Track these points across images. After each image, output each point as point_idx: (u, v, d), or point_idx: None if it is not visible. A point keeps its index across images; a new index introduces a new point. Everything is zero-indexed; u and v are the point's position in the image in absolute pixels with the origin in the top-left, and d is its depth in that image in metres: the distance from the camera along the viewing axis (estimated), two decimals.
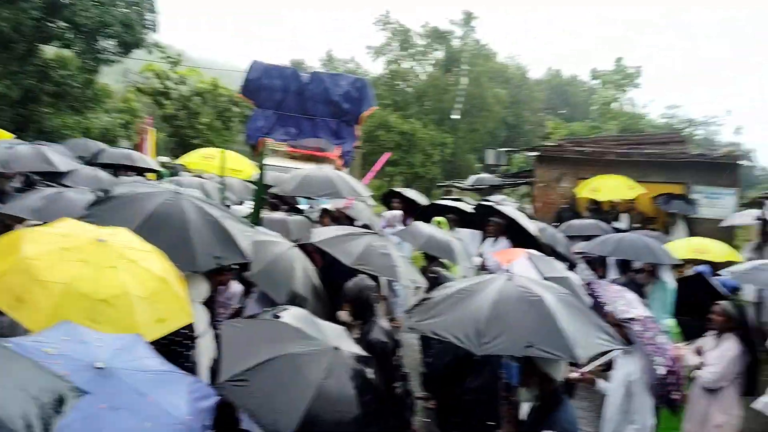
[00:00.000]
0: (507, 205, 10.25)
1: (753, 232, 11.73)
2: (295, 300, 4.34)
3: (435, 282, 5.63)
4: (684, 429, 5.50)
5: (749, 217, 11.33)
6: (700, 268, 8.42)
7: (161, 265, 3.51)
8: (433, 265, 6.86)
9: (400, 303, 9.77)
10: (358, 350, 3.46)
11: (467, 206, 10.08)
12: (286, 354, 3.04)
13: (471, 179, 19.16)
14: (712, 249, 8.90)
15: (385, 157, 9.97)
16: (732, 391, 5.09)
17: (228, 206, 6.06)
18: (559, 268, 6.05)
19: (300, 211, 8.46)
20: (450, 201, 11.16)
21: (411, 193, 10.81)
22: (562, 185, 14.72)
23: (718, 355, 5.09)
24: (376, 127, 33.79)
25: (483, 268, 7.13)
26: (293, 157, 15.06)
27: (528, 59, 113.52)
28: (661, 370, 4.28)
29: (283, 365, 2.99)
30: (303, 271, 4.73)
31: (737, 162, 13.91)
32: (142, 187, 4.84)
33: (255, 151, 16.17)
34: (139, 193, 4.35)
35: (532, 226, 7.82)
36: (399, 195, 10.67)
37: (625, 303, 4.61)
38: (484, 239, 9.29)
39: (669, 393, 4.44)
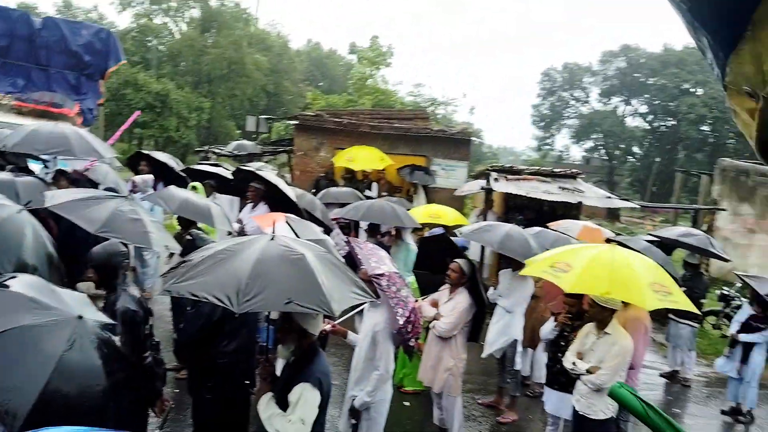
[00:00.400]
0: (266, 171, 10.21)
1: (479, 199, 13.53)
2: (25, 269, 3.79)
3: (191, 246, 5.39)
4: (420, 372, 6.18)
5: (476, 186, 12.99)
6: (436, 230, 9.47)
7: None
8: (189, 230, 6.56)
9: (150, 273, 9.21)
10: (105, 318, 3.17)
11: (226, 172, 9.80)
12: (19, 326, 2.68)
13: (230, 146, 18.64)
14: (445, 214, 10.07)
15: (134, 116, 9.15)
16: (461, 339, 5.78)
17: None
18: (317, 231, 6.28)
19: (30, 172, 7.37)
20: (208, 166, 10.75)
21: (161, 156, 10.08)
22: (320, 154, 15.18)
23: (451, 307, 5.74)
24: (123, 84, 30.89)
25: (242, 233, 7.06)
26: (21, 113, 13.03)
27: (288, 29, 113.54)
28: (401, 321, 4.71)
29: (16, 338, 2.65)
30: (34, 238, 4.13)
31: (469, 139, 15.82)
32: None
33: None
34: None
35: (290, 192, 7.91)
36: (148, 158, 9.88)
37: (377, 260, 4.95)
38: (243, 206, 9.18)
39: (407, 340, 4.91)
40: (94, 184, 7.51)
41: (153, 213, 8.97)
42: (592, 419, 4.99)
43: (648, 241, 9.08)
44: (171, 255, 5.92)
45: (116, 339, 3.03)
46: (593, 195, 11.89)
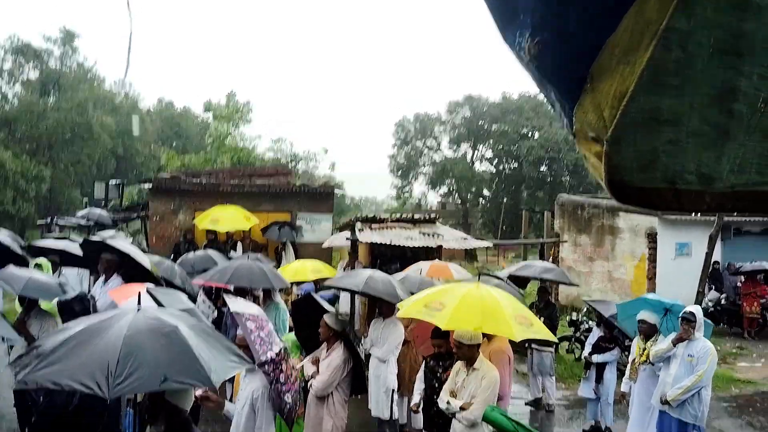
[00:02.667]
0: (118, 240, 9.62)
1: (345, 251, 13.73)
2: None
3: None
4: None
5: (342, 238, 13.20)
6: (306, 286, 9.49)
7: None
8: (31, 313, 5.99)
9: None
10: None
11: (72, 244, 9.09)
12: None
13: (80, 213, 17.34)
14: (305, 270, 10.19)
15: None
16: (338, 396, 5.74)
17: None
18: (183, 299, 5.99)
19: None
20: (51, 240, 9.93)
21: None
22: (179, 217, 14.63)
23: (327, 364, 5.72)
24: None
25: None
26: None
27: (139, 88, 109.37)
28: (288, 401, 4.60)
29: None
30: None
31: (333, 192, 16.12)
32: None
33: None
34: None
35: (146, 260, 7.51)
36: None
37: (266, 336, 4.79)
38: (95, 279, 8.56)
39: (290, 415, 4.80)
40: None
41: None
42: None
43: (512, 277, 9.80)
44: (10, 347, 5.33)
45: None
46: (451, 237, 12.57)
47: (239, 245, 13.48)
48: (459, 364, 5.40)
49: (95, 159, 39.25)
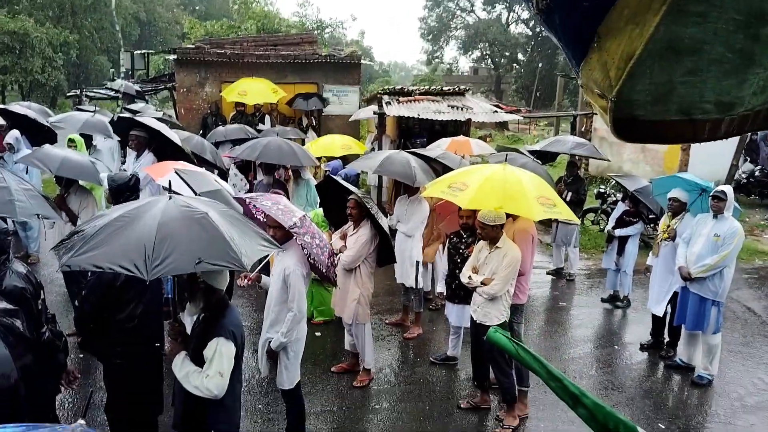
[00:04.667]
0: (147, 115, 9.70)
1: (373, 124, 13.63)
2: None
3: None
4: (332, 302, 6.44)
5: (369, 111, 13.04)
6: (333, 163, 9.57)
7: None
8: (71, 190, 6.25)
9: (34, 236, 8.74)
10: (4, 304, 3.06)
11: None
12: None
13: (108, 85, 17.37)
14: (333, 145, 10.19)
15: None
16: (365, 269, 6.01)
17: None
18: (211, 180, 6.14)
19: None
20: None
21: (19, 108, 9.26)
22: (206, 90, 14.54)
23: (354, 240, 5.95)
24: None
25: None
26: None
27: None
28: (323, 255, 4.87)
29: None
30: None
31: (360, 62, 15.64)
32: None
33: None
34: None
35: (176, 137, 7.61)
36: (4, 112, 9.01)
37: (285, 207, 4.97)
38: (125, 152, 8.77)
39: (327, 273, 5.10)
40: None
41: (29, 176, 8.42)
42: (489, 325, 5.46)
43: (543, 152, 9.70)
44: (53, 223, 5.60)
45: (19, 323, 2.95)
46: (480, 110, 12.31)
47: (267, 118, 13.45)
48: (482, 243, 5.56)
49: (119, 25, 38.41)
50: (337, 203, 6.18)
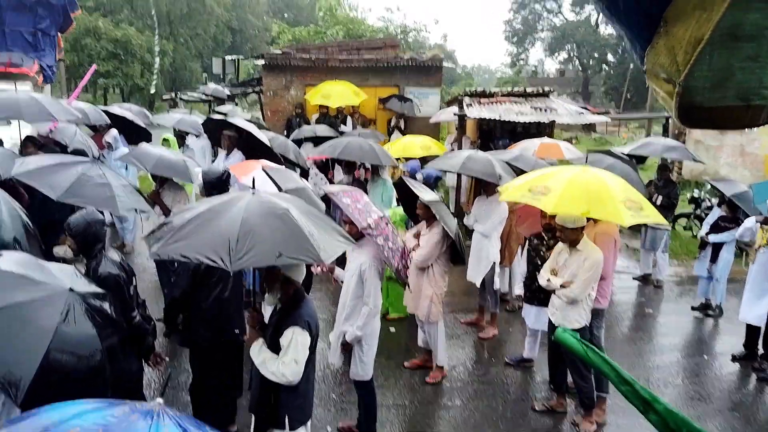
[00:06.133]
0: (237, 116, 10.14)
1: (453, 126, 13.58)
2: (6, 246, 3.85)
3: None
4: (405, 299, 6.47)
5: (450, 114, 13.01)
6: (412, 163, 9.61)
7: None
8: (165, 186, 6.62)
9: (129, 228, 9.31)
10: (94, 288, 3.29)
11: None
12: (11, 304, 2.77)
13: (200, 89, 18.28)
14: (414, 146, 10.23)
15: (91, 71, 8.91)
16: (438, 268, 6.02)
17: None
18: (295, 178, 6.33)
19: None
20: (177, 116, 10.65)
21: (118, 110, 9.90)
22: (291, 93, 14.99)
23: (426, 239, 5.98)
24: (83, 34, 29.70)
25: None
26: None
27: None
28: (395, 264, 4.91)
29: (11, 316, 2.74)
30: (8, 213, 4.14)
31: (441, 65, 15.63)
32: None
33: None
34: None
35: (264, 137, 7.91)
36: (107, 114, 9.68)
37: (362, 207, 5.06)
38: (216, 152, 9.18)
39: (403, 277, 5.15)
40: (62, 147, 7.44)
41: (127, 173, 9.00)
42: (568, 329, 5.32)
43: (631, 156, 9.30)
44: (148, 216, 5.96)
45: (107, 306, 3.16)
46: (565, 112, 11.97)
47: (349, 120, 13.70)
48: (561, 245, 5.41)
49: (211, 33, 40.34)
50: (414, 202, 6.23)
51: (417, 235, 6.17)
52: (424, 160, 10.39)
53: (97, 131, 9.78)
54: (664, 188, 9.16)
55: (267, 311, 4.08)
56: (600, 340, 5.80)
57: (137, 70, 31.93)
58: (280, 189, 5.67)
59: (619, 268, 9.00)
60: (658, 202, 8.77)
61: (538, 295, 5.97)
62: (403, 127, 14.15)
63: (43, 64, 14.13)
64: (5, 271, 2.94)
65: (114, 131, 9.65)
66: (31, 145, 6.80)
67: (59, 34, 15.30)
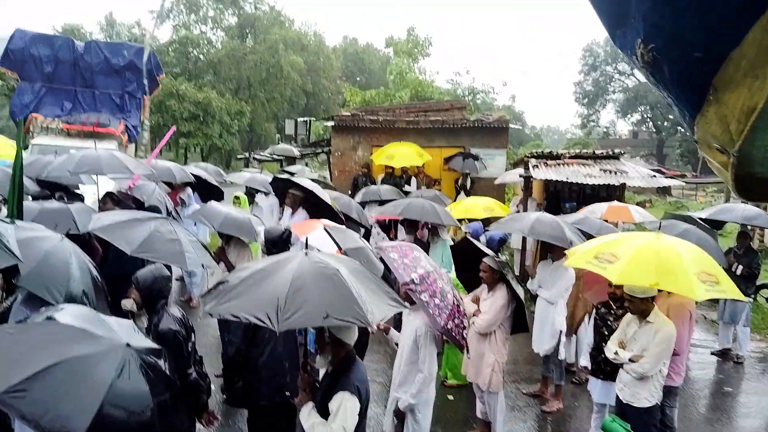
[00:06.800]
0: (304, 176, 10.42)
1: (519, 187, 13.42)
2: (74, 299, 4.03)
3: None
4: (463, 367, 6.25)
5: (515, 175, 12.89)
6: (474, 225, 9.49)
7: None
8: (230, 243, 6.79)
9: (197, 283, 9.58)
10: (150, 344, 3.36)
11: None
12: (71, 357, 2.85)
13: (269, 149, 19.02)
14: (476, 207, 10.15)
15: (170, 132, 9.50)
16: (500, 335, 5.82)
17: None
18: (355, 238, 6.38)
19: (78, 197, 7.80)
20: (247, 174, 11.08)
21: (195, 170, 10.41)
22: (358, 153, 15.33)
23: (489, 304, 5.79)
24: (167, 96, 31.78)
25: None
26: (69, 134, 13.69)
27: (323, 26, 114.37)
28: (441, 323, 4.77)
29: (69, 369, 2.81)
30: (79, 266, 4.37)
31: (507, 126, 15.66)
32: None
33: (24, 130, 14.36)
34: None
35: (327, 197, 8.06)
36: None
37: (410, 261, 4.98)
38: (283, 209, 9.42)
39: (456, 338, 5.00)
40: (140, 203, 7.84)
41: (198, 229, 9.37)
42: (637, 407, 4.97)
43: (709, 221, 8.81)
44: (213, 273, 6.13)
45: (161, 363, 3.20)
46: (637, 175, 11.61)
47: (413, 180, 13.83)
48: (630, 315, 5.13)
49: (287, 96, 42.24)
50: (473, 265, 6.07)
51: (476, 300, 6.00)
52: (487, 222, 10.26)
53: (173, 188, 10.28)
54: (745, 257, 8.62)
55: (319, 374, 4.04)
56: (673, 421, 5.38)
57: (216, 131, 33.70)
58: (340, 248, 5.72)
59: (695, 341, 8.43)
60: (738, 272, 8.26)
61: (605, 368, 5.61)
62: (469, 186, 14.10)
63: (128, 125, 15.16)
64: (66, 324, 3.05)
65: (188, 189, 10.12)
66: (109, 200, 7.20)
67: (145, 96, 16.46)
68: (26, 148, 12.91)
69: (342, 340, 3.67)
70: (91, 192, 8.45)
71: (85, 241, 5.51)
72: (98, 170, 7.48)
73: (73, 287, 4.13)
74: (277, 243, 5.86)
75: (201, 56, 40.84)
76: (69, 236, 4.92)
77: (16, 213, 5.25)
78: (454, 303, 4.99)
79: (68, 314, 3.20)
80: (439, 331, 4.92)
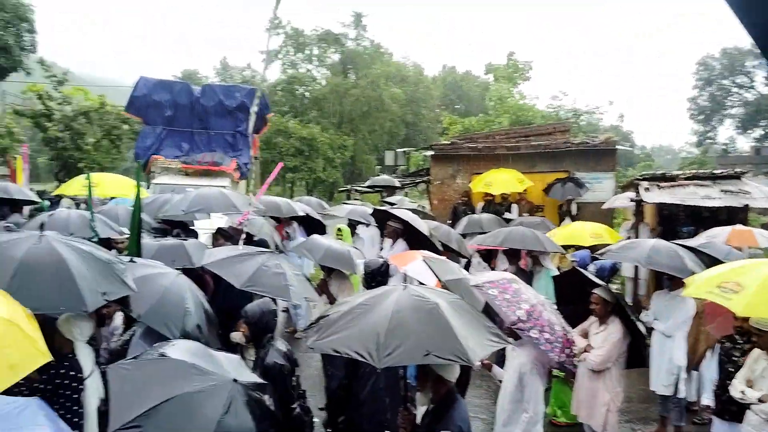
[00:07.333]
0: (404, 206, 10.51)
1: (629, 212, 12.73)
2: (188, 335, 4.26)
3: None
4: (573, 406, 5.91)
5: (625, 199, 12.24)
6: (581, 253, 9.06)
7: (6, 306, 3.27)
8: (332, 275, 6.93)
9: (302, 314, 9.83)
10: (256, 379, 3.46)
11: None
12: (181, 394, 2.98)
13: (370, 181, 19.39)
14: (582, 234, 9.61)
15: (277, 168, 9.90)
16: (615, 371, 5.47)
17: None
18: (455, 269, 6.28)
19: (193, 233, 8.31)
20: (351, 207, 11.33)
21: (300, 207, 10.79)
22: (457, 181, 15.25)
23: (603, 338, 5.46)
24: (275, 133, 33.43)
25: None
26: (187, 174, 14.68)
27: (422, 57, 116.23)
28: (557, 358, 4.56)
29: (180, 405, 2.94)
30: (194, 301, 4.64)
31: (615, 148, 14.98)
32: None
33: (146, 170, 15.62)
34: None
35: (425, 227, 8.05)
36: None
37: (512, 296, 4.80)
38: (384, 240, 9.52)
39: (567, 366, 4.77)
40: (249, 237, 8.21)
41: (303, 261, 9.69)
42: None
43: None
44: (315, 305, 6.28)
45: (267, 398, 3.28)
46: (761, 195, 10.66)
47: (514, 207, 13.51)
48: (758, 351, 4.66)
49: (387, 127, 43.11)
50: (578, 297, 5.77)
51: (584, 334, 5.70)
52: (593, 249, 9.79)
53: (280, 222, 10.71)
54: None
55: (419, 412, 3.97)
56: None
57: (320, 165, 34.98)
58: (439, 280, 5.66)
59: None
60: None
61: (731, 408, 5.09)
62: (574, 212, 13.55)
63: (239, 162, 16.04)
64: (178, 360, 3.21)
65: (294, 223, 10.51)
66: (220, 237, 7.60)
67: (255, 135, 17.41)
68: (148, 187, 14.01)
69: (443, 377, 3.60)
70: (204, 228, 8.98)
71: (197, 275, 5.83)
72: (208, 208, 7.98)
73: (188, 322, 4.37)
74: (376, 276, 5.91)
75: (306, 93, 42.72)
76: (183, 270, 5.25)
77: (136, 250, 5.66)
78: (563, 333, 4.79)
79: (179, 350, 3.36)
80: (555, 367, 4.72)
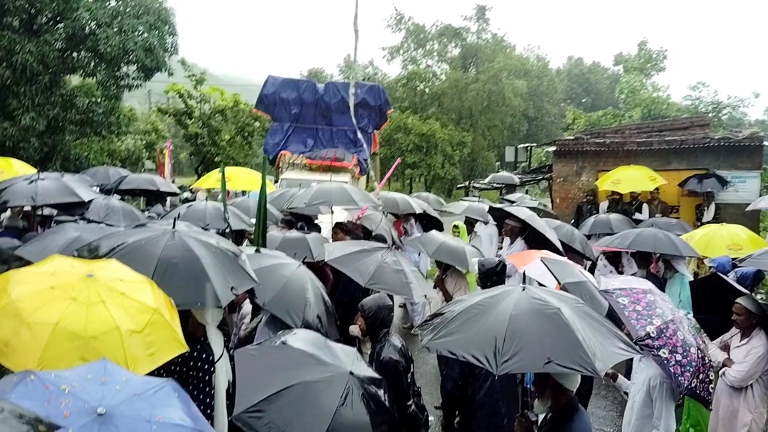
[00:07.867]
0: (524, 204, 10.21)
1: None
2: (309, 324, 4.41)
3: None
4: (710, 426, 5.43)
5: None
6: (720, 258, 8.25)
7: (153, 295, 3.44)
8: (448, 273, 6.88)
9: (418, 310, 9.88)
10: (372, 373, 3.49)
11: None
12: (301, 382, 3.07)
13: (489, 178, 19.05)
14: (722, 240, 8.52)
15: (396, 164, 10.06)
16: (758, 389, 4.98)
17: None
18: (576, 272, 5.99)
19: (316, 226, 8.63)
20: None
21: (417, 204, 10.82)
22: (582, 179, 14.59)
23: (745, 353, 4.97)
24: (395, 130, 33.83)
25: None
26: (311, 169, 15.26)
27: (547, 49, 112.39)
28: (685, 383, 4.21)
29: (299, 393, 3.02)
30: (314, 292, 4.79)
31: (761, 143, 13.60)
32: (137, 233, 4.49)
33: (275, 166, 16.45)
34: (138, 240, 4.22)
35: (546, 228, 7.76)
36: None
37: (645, 307, 4.47)
38: (502, 239, 9.31)
39: (702, 396, 4.40)
40: (367, 232, 8.39)
41: (420, 258, 9.77)
42: None
43: None
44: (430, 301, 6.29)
45: (382, 393, 3.31)
46: None
47: (645, 207, 12.65)
48: None
49: (507, 123, 42.17)
50: (719, 306, 5.28)
51: (725, 348, 5.22)
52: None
53: (398, 218, 10.83)
54: None
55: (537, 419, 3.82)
56: None
57: (438, 161, 34.92)
58: (558, 282, 5.43)
59: None
60: None
61: None
62: (713, 214, 12.47)
63: (360, 158, 16.41)
64: (298, 349, 3.31)
65: (412, 219, 10.60)
66: (339, 231, 7.82)
67: (375, 131, 17.74)
68: (276, 182, 14.74)
69: (563, 386, 3.42)
70: (327, 221, 9.29)
71: (318, 267, 6.03)
72: (329, 202, 8.28)
73: (308, 313, 4.53)
74: (491, 275, 5.77)
75: (426, 89, 42.80)
76: (305, 263, 5.45)
77: (262, 241, 5.95)
78: (698, 357, 4.40)
79: (300, 339, 3.48)
80: (682, 392, 4.37)
